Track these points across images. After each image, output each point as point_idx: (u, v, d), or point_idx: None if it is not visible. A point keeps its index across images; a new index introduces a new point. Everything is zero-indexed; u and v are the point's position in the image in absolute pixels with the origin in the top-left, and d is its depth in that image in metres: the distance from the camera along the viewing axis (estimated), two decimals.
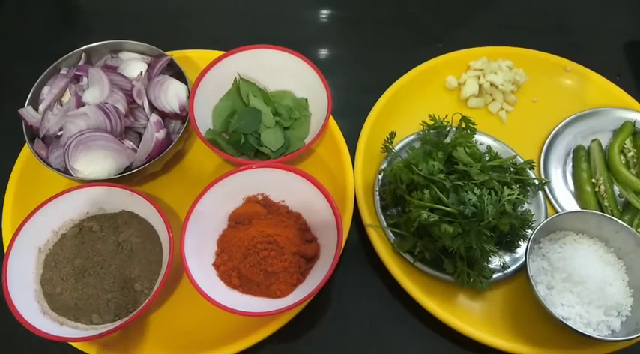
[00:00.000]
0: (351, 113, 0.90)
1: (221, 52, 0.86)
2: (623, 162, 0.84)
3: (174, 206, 0.82)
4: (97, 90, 0.79)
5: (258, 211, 0.76)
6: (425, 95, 0.93)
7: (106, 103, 0.78)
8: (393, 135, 0.84)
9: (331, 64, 1.01)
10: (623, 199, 0.82)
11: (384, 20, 1.07)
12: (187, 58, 0.93)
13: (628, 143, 0.86)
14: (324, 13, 1.09)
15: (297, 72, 0.86)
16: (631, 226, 0.75)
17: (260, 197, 0.78)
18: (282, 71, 0.87)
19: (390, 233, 0.77)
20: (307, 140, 0.84)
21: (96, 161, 0.75)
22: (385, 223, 0.78)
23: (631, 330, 0.67)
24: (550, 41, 1.01)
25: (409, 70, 0.93)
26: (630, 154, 0.85)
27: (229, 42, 0.90)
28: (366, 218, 0.79)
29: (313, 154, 0.86)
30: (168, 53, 0.88)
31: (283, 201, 0.78)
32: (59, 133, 0.78)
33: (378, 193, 0.81)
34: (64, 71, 0.85)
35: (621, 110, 0.90)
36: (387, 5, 1.10)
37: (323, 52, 1.03)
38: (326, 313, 0.77)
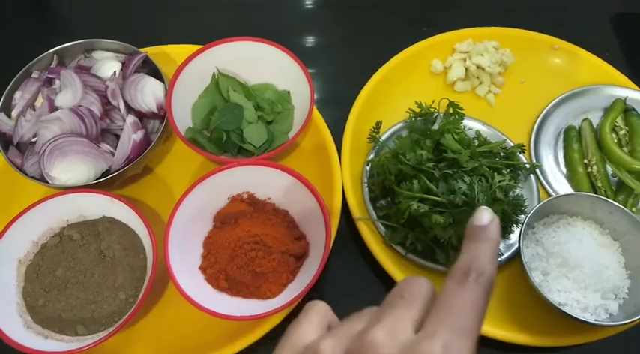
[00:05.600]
0: (336, 103, 0.88)
1: (198, 47, 0.83)
2: (615, 141, 0.82)
3: (158, 209, 0.79)
4: (69, 93, 0.76)
5: (244, 210, 0.74)
6: (411, 81, 0.90)
7: (80, 106, 0.75)
8: (379, 125, 0.81)
9: (313, 52, 0.98)
10: (616, 179, 0.80)
11: (364, 5, 1.04)
12: (163, 54, 0.89)
13: (619, 121, 0.83)
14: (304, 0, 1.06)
15: (278, 64, 0.82)
16: (625, 206, 0.73)
17: (245, 196, 0.75)
18: (262, 64, 0.84)
19: (381, 226, 0.75)
20: (291, 134, 0.81)
21: (73, 167, 0.73)
22: (375, 216, 0.76)
23: (629, 313, 0.66)
24: (536, 18, 0.98)
25: (393, 55, 0.91)
26: (622, 133, 0.83)
27: (206, 35, 0.86)
28: (356, 211, 0.76)
29: (298, 148, 0.84)
30: (143, 50, 0.85)
31: (269, 198, 0.76)
32: (33, 140, 0.75)
33: (366, 185, 0.79)
34: (35, 75, 0.82)
35: (611, 87, 0.87)
36: None
37: (304, 41, 1.00)
38: None
